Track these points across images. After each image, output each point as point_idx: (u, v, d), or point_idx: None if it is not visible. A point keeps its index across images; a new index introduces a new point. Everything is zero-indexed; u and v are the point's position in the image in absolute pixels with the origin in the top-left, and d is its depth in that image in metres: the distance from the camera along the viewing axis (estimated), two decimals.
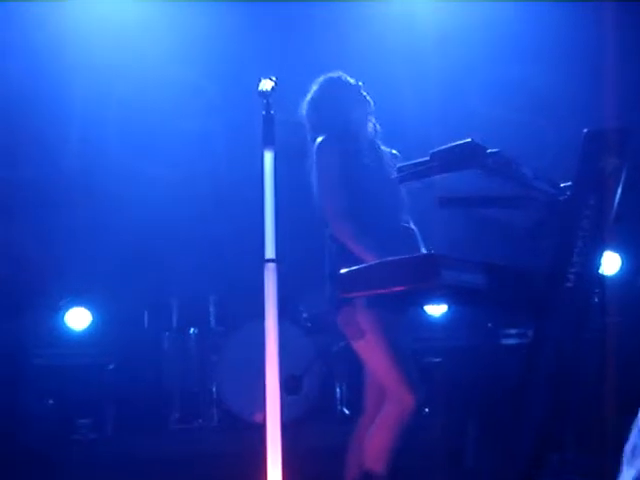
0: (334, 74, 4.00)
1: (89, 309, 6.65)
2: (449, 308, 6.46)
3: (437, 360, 6.47)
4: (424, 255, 2.80)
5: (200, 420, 6.32)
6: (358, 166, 3.73)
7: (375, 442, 3.79)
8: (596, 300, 3.30)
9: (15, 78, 6.24)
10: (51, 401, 6.17)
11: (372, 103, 3.95)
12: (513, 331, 6.41)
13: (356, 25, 6.45)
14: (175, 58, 6.28)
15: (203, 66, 6.35)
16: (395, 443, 3.77)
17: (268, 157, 3.18)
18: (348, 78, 3.99)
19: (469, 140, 2.69)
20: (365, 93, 3.96)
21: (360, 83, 3.98)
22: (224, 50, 6.32)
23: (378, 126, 3.96)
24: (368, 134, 3.89)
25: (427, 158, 2.77)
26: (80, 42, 6.31)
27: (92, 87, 6.43)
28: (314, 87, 3.99)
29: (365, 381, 3.99)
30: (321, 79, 4.00)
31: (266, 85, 3.15)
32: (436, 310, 6.57)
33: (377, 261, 2.87)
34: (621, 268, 6.14)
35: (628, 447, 0.82)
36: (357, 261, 3.27)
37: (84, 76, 6.41)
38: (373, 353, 3.73)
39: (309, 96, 3.99)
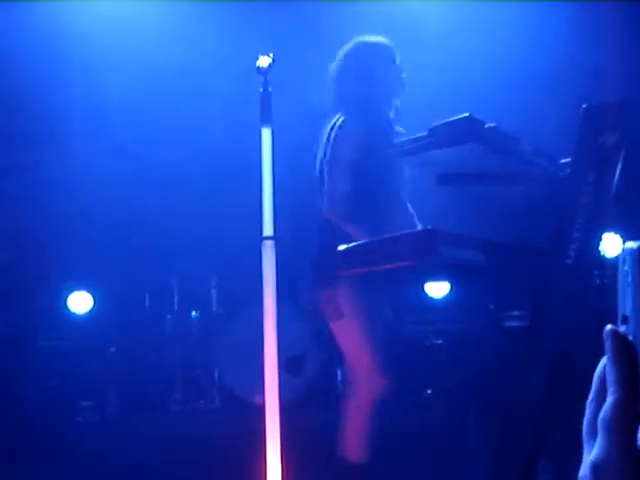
0: (371, 39, 3.85)
1: (91, 293, 6.65)
2: (450, 290, 6.45)
3: (439, 342, 6.46)
4: (422, 231, 2.80)
5: (202, 401, 6.32)
6: (371, 152, 3.68)
7: (350, 432, 3.78)
8: (597, 281, 3.29)
9: (16, 69, 6.23)
10: (55, 384, 6.18)
11: (404, 84, 3.83)
12: (515, 313, 6.39)
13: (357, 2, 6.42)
14: (171, 40, 6.24)
15: (200, 47, 6.31)
16: (371, 427, 3.76)
17: (266, 135, 3.16)
18: (385, 50, 3.82)
19: (467, 115, 2.67)
20: (403, 74, 3.83)
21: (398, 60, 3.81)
22: (220, 29, 6.29)
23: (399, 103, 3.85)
24: (388, 115, 3.80)
25: (425, 133, 2.76)
26: (77, 28, 6.29)
27: (90, 74, 6.41)
28: (345, 49, 3.86)
29: None
30: (354, 42, 3.86)
31: (263, 62, 3.13)
32: (437, 292, 6.55)
33: (375, 238, 2.86)
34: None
35: (585, 426, 0.80)
36: (347, 242, 3.28)
37: (82, 61, 6.39)
38: (350, 334, 3.74)
39: (339, 61, 3.86)
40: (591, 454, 0.76)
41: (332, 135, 3.70)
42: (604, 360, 0.78)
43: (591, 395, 0.79)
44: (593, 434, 0.77)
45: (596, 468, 0.75)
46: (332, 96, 3.81)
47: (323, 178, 3.76)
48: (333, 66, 3.85)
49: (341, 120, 3.70)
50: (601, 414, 0.76)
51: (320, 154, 3.79)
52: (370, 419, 3.76)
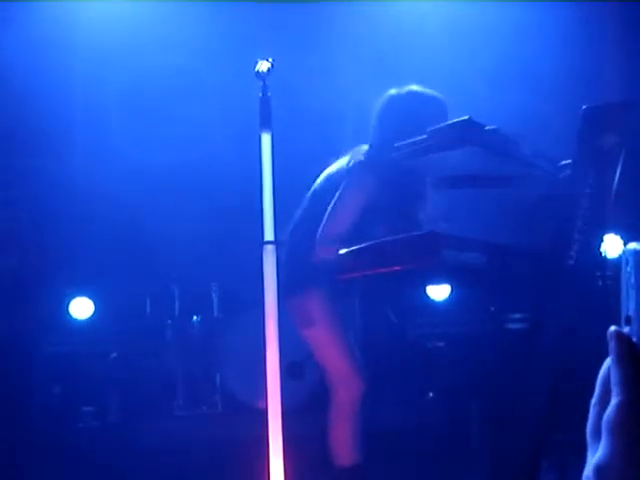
0: (427, 91, 3.77)
1: (92, 299, 6.66)
2: (452, 292, 6.45)
3: (440, 345, 6.45)
4: (424, 233, 2.80)
5: (204, 407, 6.31)
6: (383, 200, 3.65)
7: (338, 437, 3.83)
8: (599, 283, 3.29)
9: (17, 71, 6.22)
10: (56, 389, 6.18)
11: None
12: (517, 315, 6.39)
13: (356, 6, 6.42)
14: (172, 44, 6.25)
15: (199, 51, 6.31)
16: (357, 430, 3.80)
17: (266, 139, 3.17)
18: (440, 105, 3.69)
19: (467, 117, 2.67)
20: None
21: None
22: (220, 33, 6.30)
23: None
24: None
25: (425, 136, 2.76)
26: (78, 32, 6.29)
27: (91, 78, 6.41)
28: (399, 92, 3.79)
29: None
30: (409, 90, 3.78)
31: (262, 66, 3.13)
32: (439, 294, 6.55)
33: (377, 241, 2.87)
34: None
35: (588, 428, 0.80)
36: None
37: (83, 67, 6.38)
38: (323, 341, 3.80)
39: (386, 101, 3.79)
40: (595, 456, 0.76)
41: (348, 168, 3.68)
42: (608, 361, 0.78)
43: (595, 397, 0.79)
44: (597, 436, 0.77)
45: (600, 470, 0.75)
46: (372, 130, 3.75)
47: (319, 202, 3.76)
48: (383, 102, 3.78)
49: (362, 157, 3.68)
50: (605, 416, 0.76)
51: (323, 181, 3.82)
52: (355, 420, 3.82)
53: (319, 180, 3.92)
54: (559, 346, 2.91)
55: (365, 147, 3.77)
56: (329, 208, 3.66)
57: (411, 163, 3.32)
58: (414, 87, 3.77)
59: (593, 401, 0.79)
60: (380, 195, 3.65)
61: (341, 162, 3.82)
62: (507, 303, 6.37)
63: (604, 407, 0.77)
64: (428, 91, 3.72)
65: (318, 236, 3.64)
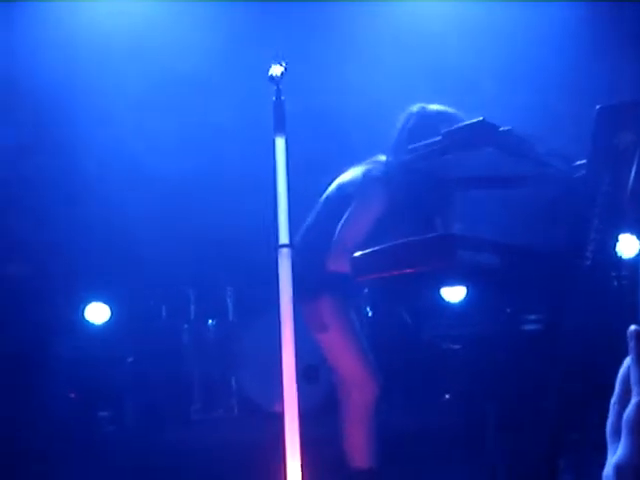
0: (449, 110, 3.69)
1: (108, 304, 6.67)
2: (467, 294, 6.43)
3: (456, 347, 6.44)
4: (440, 235, 2.80)
5: (220, 410, 6.33)
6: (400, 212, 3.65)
7: (353, 440, 3.84)
8: (615, 283, 3.28)
9: (21, 73, 6.25)
10: (73, 395, 6.20)
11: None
12: (532, 317, 6.37)
13: (367, 10, 6.42)
14: (183, 46, 6.25)
15: (211, 56, 6.31)
16: (372, 432, 3.81)
17: (280, 144, 3.17)
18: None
19: (481, 119, 2.67)
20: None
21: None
22: (232, 35, 6.31)
23: None
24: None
25: (439, 138, 2.76)
26: (88, 38, 6.30)
27: (100, 82, 6.42)
28: (424, 108, 3.75)
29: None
30: (437, 108, 3.72)
31: (276, 70, 3.13)
32: (454, 296, 6.53)
33: (392, 243, 2.86)
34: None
35: (608, 427, 0.80)
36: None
37: (90, 69, 6.39)
38: (336, 345, 3.83)
39: (417, 115, 3.74)
40: (615, 455, 0.76)
41: (362, 181, 3.69)
42: (628, 361, 0.77)
43: (615, 396, 0.79)
44: (617, 435, 0.76)
45: (620, 469, 0.75)
46: (393, 141, 3.72)
47: (331, 210, 3.77)
48: (407, 117, 3.75)
49: (375, 172, 3.68)
50: (625, 415, 0.75)
51: (335, 189, 3.82)
52: (369, 424, 3.83)
53: (332, 187, 3.92)
54: (575, 346, 2.90)
55: (381, 157, 3.77)
56: (342, 221, 3.67)
57: (428, 167, 3.32)
58: (439, 106, 3.73)
59: (613, 400, 0.79)
60: (395, 207, 3.66)
61: (355, 171, 3.81)
62: (523, 304, 6.35)
63: (624, 406, 0.76)
64: (450, 110, 3.68)
65: (331, 249, 3.66)
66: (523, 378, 3.71)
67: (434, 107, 3.71)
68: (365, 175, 3.71)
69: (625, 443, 0.75)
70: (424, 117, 3.67)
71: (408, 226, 3.55)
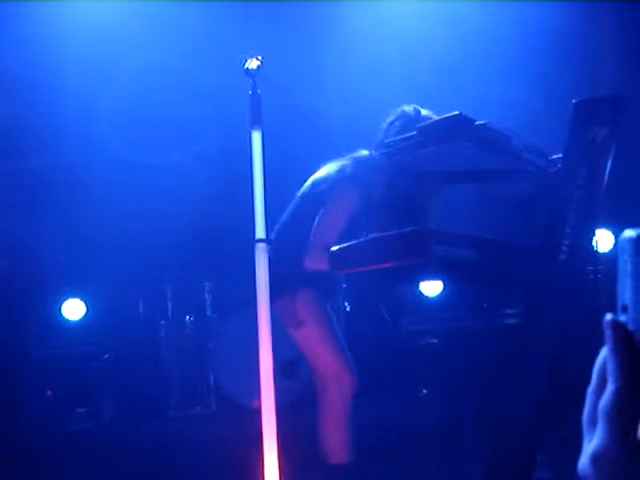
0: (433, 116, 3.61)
1: (84, 300, 6.64)
2: (444, 288, 6.45)
3: (434, 341, 6.46)
4: (415, 230, 2.79)
5: (198, 407, 6.30)
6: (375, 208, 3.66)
7: (330, 435, 3.84)
8: (591, 277, 3.29)
9: (10, 72, 6.20)
10: (49, 392, 6.17)
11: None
12: (509, 310, 6.40)
13: (347, 4, 6.42)
14: (160, 42, 6.23)
15: (190, 51, 6.29)
16: (349, 428, 3.83)
17: (256, 137, 3.16)
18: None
19: (457, 113, 2.67)
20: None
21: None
22: (210, 33, 6.29)
23: None
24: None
25: (415, 132, 2.75)
26: (70, 33, 6.26)
27: (82, 80, 6.38)
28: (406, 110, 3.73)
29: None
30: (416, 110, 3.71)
31: (252, 64, 3.12)
32: (431, 291, 6.56)
33: (369, 237, 2.87)
34: (615, 246, 6.11)
35: (585, 417, 0.80)
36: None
37: (75, 68, 6.35)
38: (313, 341, 3.83)
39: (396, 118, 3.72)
40: (591, 443, 0.76)
41: (338, 178, 3.69)
42: (604, 352, 0.77)
43: (591, 386, 0.79)
44: (593, 425, 0.77)
45: (596, 457, 0.75)
46: (380, 136, 3.71)
47: (307, 206, 3.77)
48: (399, 115, 3.73)
49: (354, 166, 3.68)
50: (601, 403, 0.76)
51: (311, 186, 3.82)
52: (347, 419, 3.85)
53: (307, 184, 3.92)
54: (552, 341, 2.91)
55: (358, 153, 3.77)
56: (316, 220, 3.67)
57: (404, 162, 3.32)
58: (424, 111, 3.72)
59: (589, 390, 0.79)
60: (369, 203, 3.66)
61: (330, 168, 3.81)
62: (500, 299, 6.38)
63: (600, 395, 0.76)
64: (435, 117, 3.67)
65: (307, 249, 3.67)
66: (501, 372, 3.72)
67: (426, 112, 3.70)
68: (338, 173, 3.72)
69: (601, 431, 0.75)
70: (414, 120, 3.67)
71: (384, 221, 3.56)
